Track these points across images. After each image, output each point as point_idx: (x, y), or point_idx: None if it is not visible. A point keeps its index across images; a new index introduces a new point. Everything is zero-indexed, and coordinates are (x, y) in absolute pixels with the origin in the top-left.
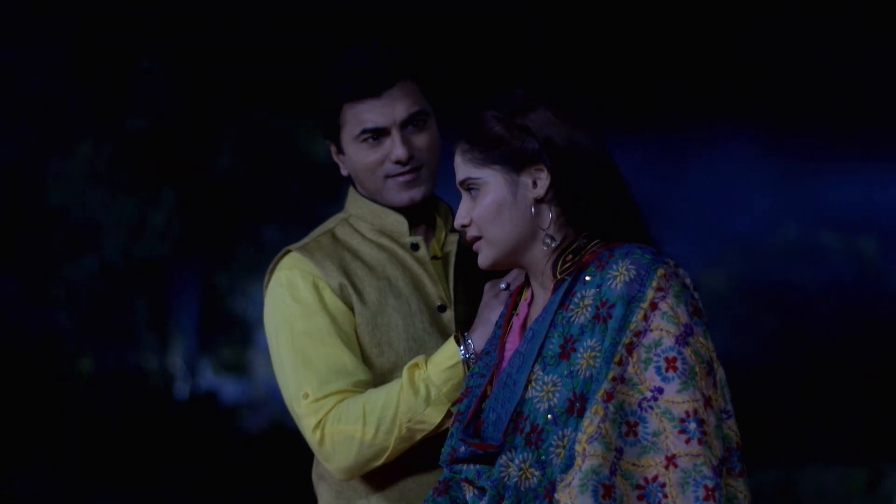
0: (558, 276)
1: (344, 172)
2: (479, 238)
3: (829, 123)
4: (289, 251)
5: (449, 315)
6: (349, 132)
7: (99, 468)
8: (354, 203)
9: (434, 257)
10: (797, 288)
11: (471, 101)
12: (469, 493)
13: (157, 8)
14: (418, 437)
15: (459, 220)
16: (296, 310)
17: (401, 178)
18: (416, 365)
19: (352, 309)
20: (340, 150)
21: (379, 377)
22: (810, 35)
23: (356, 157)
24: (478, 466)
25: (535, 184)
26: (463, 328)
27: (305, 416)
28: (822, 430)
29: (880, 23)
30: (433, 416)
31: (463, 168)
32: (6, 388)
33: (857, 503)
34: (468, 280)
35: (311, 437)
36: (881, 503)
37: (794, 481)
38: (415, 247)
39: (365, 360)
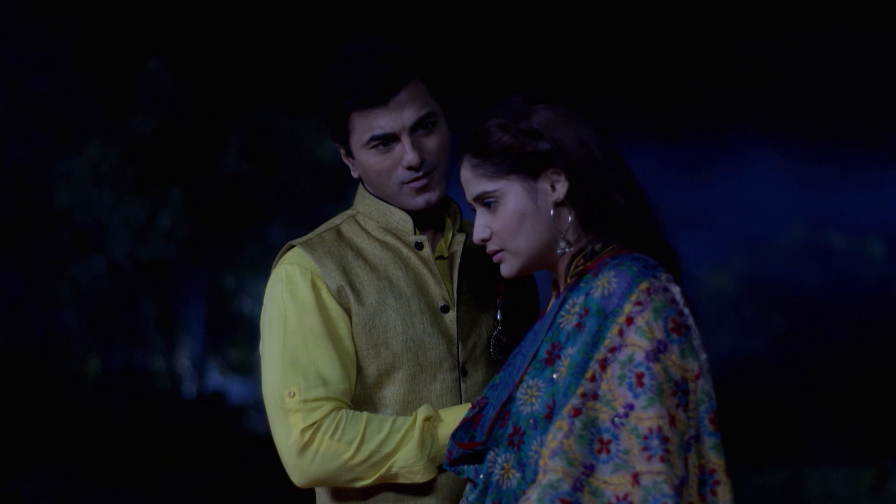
0: (567, 280)
1: (355, 175)
2: (500, 251)
3: (838, 127)
4: (293, 245)
5: (451, 316)
6: (358, 138)
7: (106, 468)
8: (363, 200)
9: (440, 257)
10: (805, 289)
11: (477, 103)
12: (468, 486)
13: (164, 10)
14: (398, 481)
15: (479, 235)
16: (291, 307)
17: (415, 184)
18: (432, 419)
19: (348, 311)
20: (350, 154)
21: (375, 377)
22: (822, 42)
23: (367, 162)
24: (476, 465)
25: (552, 187)
26: (464, 329)
27: (293, 412)
28: (828, 430)
29: (887, 28)
30: (425, 473)
31: (475, 183)
32: (14, 389)
33: (863, 503)
34: (472, 281)
35: (297, 437)
36: (887, 503)
37: (801, 481)
38: (419, 246)
39: (361, 360)
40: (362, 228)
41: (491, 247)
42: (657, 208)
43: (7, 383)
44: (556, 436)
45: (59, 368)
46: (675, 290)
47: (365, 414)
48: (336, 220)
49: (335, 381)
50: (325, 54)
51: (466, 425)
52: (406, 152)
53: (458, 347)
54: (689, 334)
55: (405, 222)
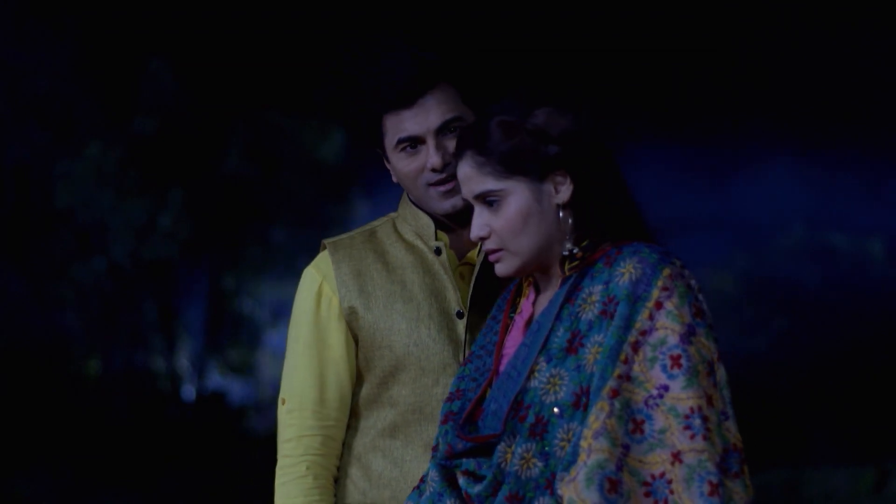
0: (566, 273)
1: (394, 179)
2: (499, 250)
3: (838, 128)
4: (325, 245)
5: (465, 322)
6: (390, 141)
7: (106, 469)
8: (402, 205)
9: (467, 263)
10: (805, 289)
11: (476, 103)
12: (461, 478)
13: (164, 10)
14: None
15: (478, 233)
16: (300, 311)
17: (441, 188)
18: None
19: (354, 314)
20: (387, 159)
21: (381, 378)
22: (822, 42)
23: (397, 165)
24: (478, 458)
25: (556, 190)
26: (475, 335)
27: (282, 418)
28: (828, 430)
29: (887, 28)
30: None
31: (479, 181)
32: (15, 390)
33: (864, 503)
34: (490, 287)
35: (280, 446)
36: (888, 503)
37: (802, 481)
38: (438, 251)
39: (369, 361)
40: (395, 231)
41: (489, 245)
42: (645, 210)
43: (7, 383)
44: (598, 416)
45: (59, 369)
46: (689, 275)
47: (304, 483)
48: (376, 222)
49: (310, 403)
50: (325, 54)
51: (466, 420)
52: (430, 154)
53: (464, 354)
54: (707, 318)
55: (428, 227)
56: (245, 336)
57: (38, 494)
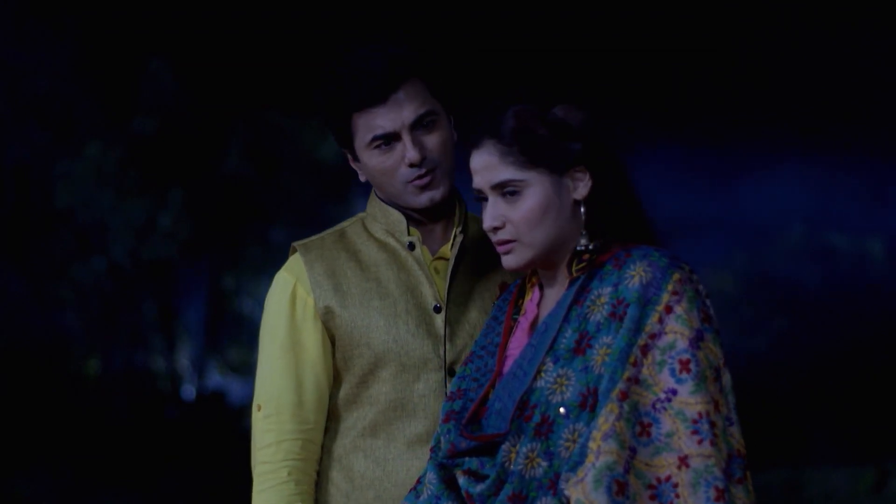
0: (574, 274)
1: (362, 179)
2: (510, 241)
3: (838, 128)
4: (295, 248)
5: (443, 316)
6: (361, 140)
7: (106, 468)
8: (370, 203)
9: (441, 258)
10: (805, 289)
11: (476, 103)
12: (462, 478)
13: (164, 10)
14: None
15: (492, 223)
16: (274, 314)
17: (418, 182)
18: None
19: (330, 314)
20: (356, 158)
21: (360, 377)
22: (821, 42)
23: (371, 163)
24: (481, 458)
25: (574, 185)
26: (454, 329)
27: (256, 424)
28: (828, 430)
29: (887, 28)
30: None
31: (501, 169)
32: (14, 389)
33: (864, 503)
34: (466, 281)
35: (255, 452)
36: (888, 503)
37: (802, 481)
38: (411, 246)
39: (347, 360)
40: (366, 230)
41: (502, 236)
42: (650, 210)
43: (7, 383)
44: (608, 419)
45: (59, 368)
46: (696, 280)
47: (285, 489)
48: (344, 223)
49: (288, 406)
50: (325, 54)
51: (470, 419)
52: (407, 149)
53: (444, 348)
54: (714, 323)
55: (400, 223)
56: (245, 336)
57: (38, 494)
